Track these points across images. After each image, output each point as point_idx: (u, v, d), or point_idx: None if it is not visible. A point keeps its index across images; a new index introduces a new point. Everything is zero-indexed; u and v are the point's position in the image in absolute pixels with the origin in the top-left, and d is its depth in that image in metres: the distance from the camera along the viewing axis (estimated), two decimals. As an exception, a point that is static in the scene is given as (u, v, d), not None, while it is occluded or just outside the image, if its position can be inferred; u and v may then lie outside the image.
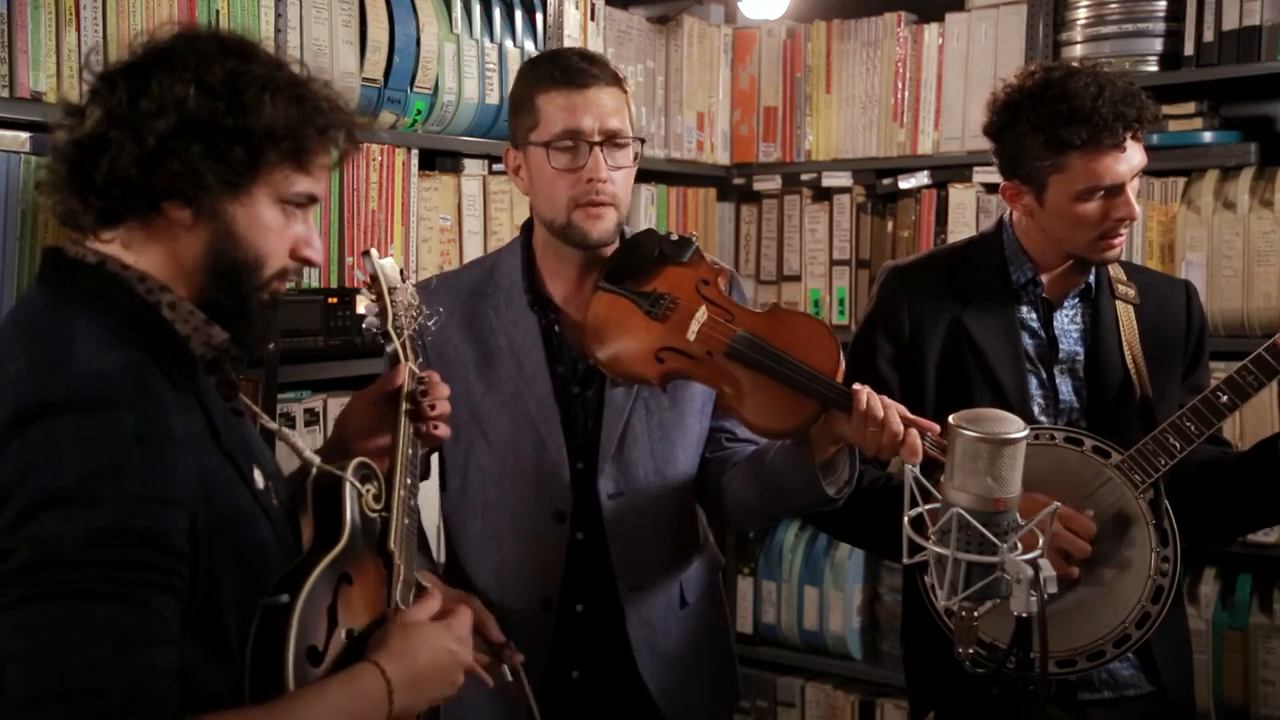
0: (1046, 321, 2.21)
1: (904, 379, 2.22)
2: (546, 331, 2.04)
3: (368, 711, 1.37)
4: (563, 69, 1.96)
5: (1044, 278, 2.20)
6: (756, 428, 1.94)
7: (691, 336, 1.94)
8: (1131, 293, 2.23)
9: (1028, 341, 2.20)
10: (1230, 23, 3.03)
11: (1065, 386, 2.20)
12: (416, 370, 1.73)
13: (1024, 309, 2.21)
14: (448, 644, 1.48)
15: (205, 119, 1.33)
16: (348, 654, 1.42)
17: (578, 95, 1.94)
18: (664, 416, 2.05)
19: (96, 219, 1.37)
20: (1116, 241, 2.13)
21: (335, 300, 2.52)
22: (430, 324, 1.84)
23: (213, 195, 1.35)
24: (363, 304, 2.51)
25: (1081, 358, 2.21)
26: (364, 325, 1.77)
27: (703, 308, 1.96)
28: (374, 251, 1.79)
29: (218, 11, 2.30)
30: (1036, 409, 2.17)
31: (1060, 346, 2.20)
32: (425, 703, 1.47)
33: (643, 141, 2.05)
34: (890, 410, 1.82)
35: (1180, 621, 2.28)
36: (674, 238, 2.02)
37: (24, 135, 2.05)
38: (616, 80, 1.99)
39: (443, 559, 2.21)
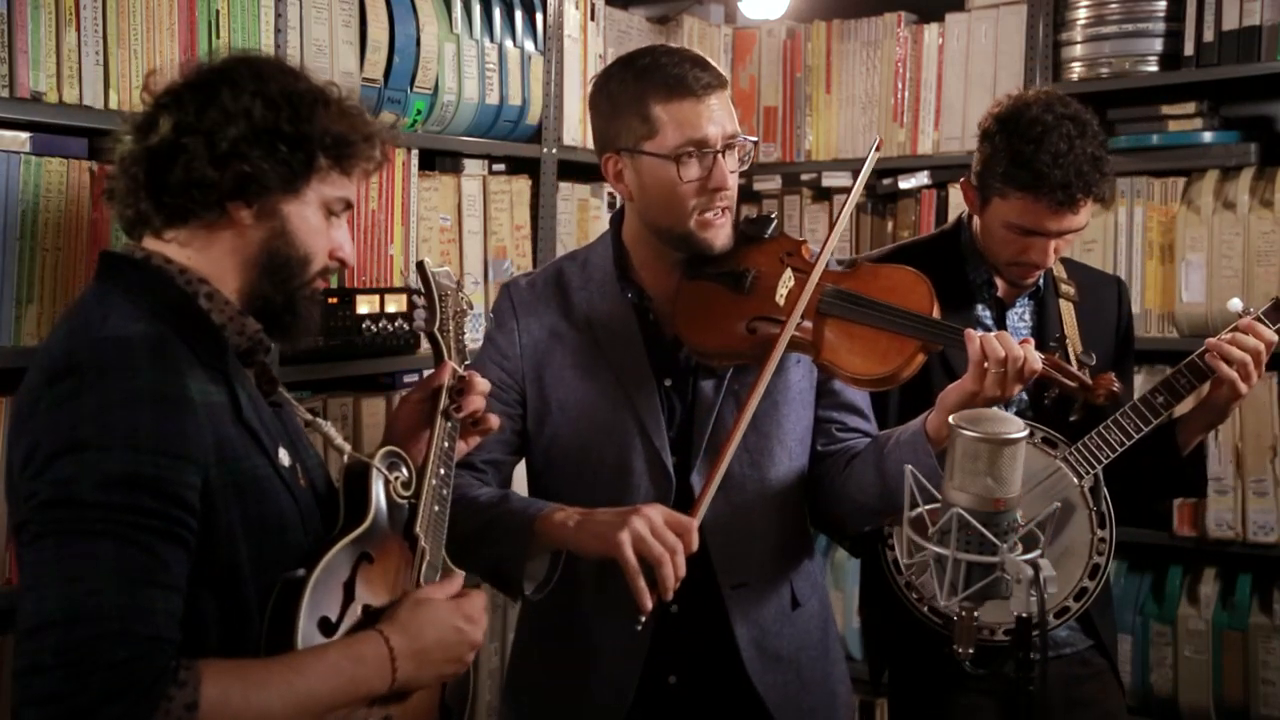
0: (1000, 320, 2.35)
1: None
2: (642, 320, 2.03)
3: (369, 676, 1.43)
4: (680, 79, 1.91)
5: (998, 280, 2.34)
6: (860, 377, 1.91)
7: (780, 301, 1.94)
8: (1071, 290, 2.38)
9: None
10: (1230, 23, 3.04)
11: None
12: (458, 369, 1.81)
13: (980, 307, 2.35)
14: (456, 621, 1.54)
15: (270, 127, 1.50)
16: (361, 627, 1.48)
17: (700, 105, 1.91)
18: (756, 408, 1.97)
19: (166, 219, 1.52)
20: (1024, 276, 2.27)
21: (335, 300, 2.51)
22: (467, 323, 1.88)
23: (273, 195, 1.52)
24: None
25: None
26: (413, 325, 1.87)
27: (788, 271, 1.97)
28: (428, 260, 1.88)
29: (218, 11, 2.29)
30: None
31: None
32: (432, 677, 1.53)
33: (756, 142, 2.04)
34: (1003, 337, 1.84)
35: (1107, 580, 2.44)
36: (752, 216, 2.06)
37: (24, 135, 2.04)
38: (725, 82, 1.97)
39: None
